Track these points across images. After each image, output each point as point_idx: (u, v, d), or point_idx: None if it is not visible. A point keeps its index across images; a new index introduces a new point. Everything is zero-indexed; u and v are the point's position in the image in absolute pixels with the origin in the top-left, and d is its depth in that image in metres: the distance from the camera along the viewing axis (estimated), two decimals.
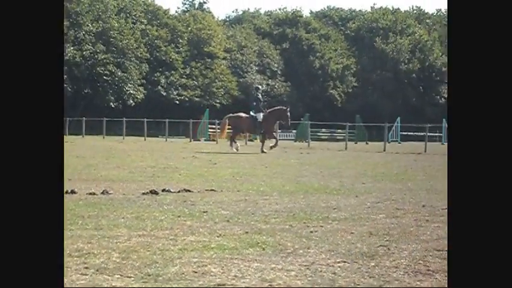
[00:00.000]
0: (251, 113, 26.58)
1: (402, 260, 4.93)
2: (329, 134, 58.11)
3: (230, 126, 28.14)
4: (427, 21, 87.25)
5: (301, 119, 49.92)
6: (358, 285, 4.19)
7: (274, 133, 28.04)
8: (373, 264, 4.81)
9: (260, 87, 30.64)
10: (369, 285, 4.20)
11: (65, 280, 3.90)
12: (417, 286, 4.22)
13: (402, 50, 76.20)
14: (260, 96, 27.69)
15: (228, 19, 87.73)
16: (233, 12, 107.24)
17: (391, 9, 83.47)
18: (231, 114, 29.00)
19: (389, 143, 39.43)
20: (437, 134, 51.97)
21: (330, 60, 75.74)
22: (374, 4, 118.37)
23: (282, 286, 4.02)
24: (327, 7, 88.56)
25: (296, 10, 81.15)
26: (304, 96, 72.97)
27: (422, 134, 37.85)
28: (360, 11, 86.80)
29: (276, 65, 74.06)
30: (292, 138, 49.98)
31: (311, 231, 6.16)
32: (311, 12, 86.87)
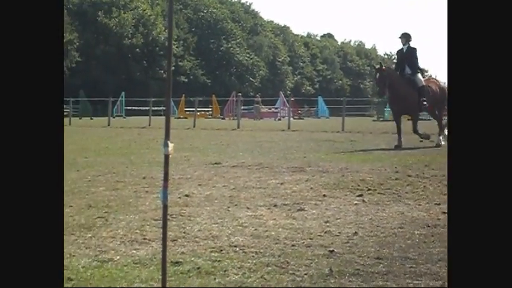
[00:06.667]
0: None
1: (119, 230, 5.04)
2: None
3: None
4: None
5: None
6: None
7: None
8: (90, 235, 4.87)
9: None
10: (85, 256, 4.24)
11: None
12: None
13: (125, 24, 76.09)
14: (412, 56, 16.07)
15: None
16: None
17: None
18: None
19: (113, 117, 39.38)
20: (161, 108, 52.86)
21: None
22: None
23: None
24: None
25: None
26: None
27: (146, 108, 38.28)
28: None
29: None
30: None
31: None
32: None
